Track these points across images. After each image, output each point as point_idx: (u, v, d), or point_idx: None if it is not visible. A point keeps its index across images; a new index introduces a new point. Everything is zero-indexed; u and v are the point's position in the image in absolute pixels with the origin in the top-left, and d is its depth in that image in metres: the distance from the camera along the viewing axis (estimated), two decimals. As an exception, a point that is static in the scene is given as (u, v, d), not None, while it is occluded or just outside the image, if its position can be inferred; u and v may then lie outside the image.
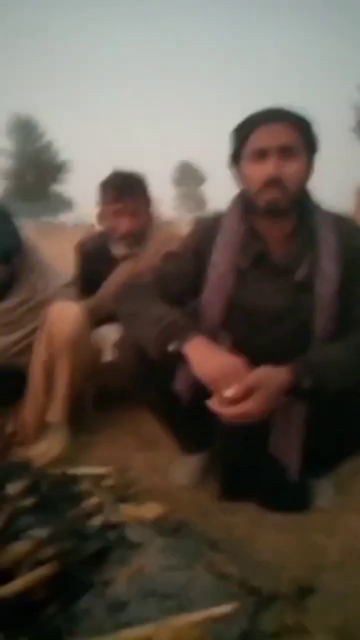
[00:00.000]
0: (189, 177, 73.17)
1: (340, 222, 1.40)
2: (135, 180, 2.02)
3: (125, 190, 1.97)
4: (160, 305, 1.36)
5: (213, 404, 1.20)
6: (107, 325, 1.99)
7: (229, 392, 1.16)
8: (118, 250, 2.07)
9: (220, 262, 1.41)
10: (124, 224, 1.99)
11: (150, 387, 1.50)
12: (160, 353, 1.28)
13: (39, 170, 49.27)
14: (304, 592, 1.15)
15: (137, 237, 2.03)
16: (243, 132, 1.33)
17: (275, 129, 1.28)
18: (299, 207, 1.37)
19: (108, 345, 1.93)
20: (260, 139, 1.29)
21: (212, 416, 1.23)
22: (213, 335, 1.34)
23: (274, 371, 1.19)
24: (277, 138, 1.27)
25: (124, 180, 2.00)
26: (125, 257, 2.06)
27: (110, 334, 1.95)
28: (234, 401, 1.17)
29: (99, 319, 2.00)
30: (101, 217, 2.08)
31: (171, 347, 1.26)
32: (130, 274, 2.03)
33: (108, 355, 1.91)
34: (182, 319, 1.30)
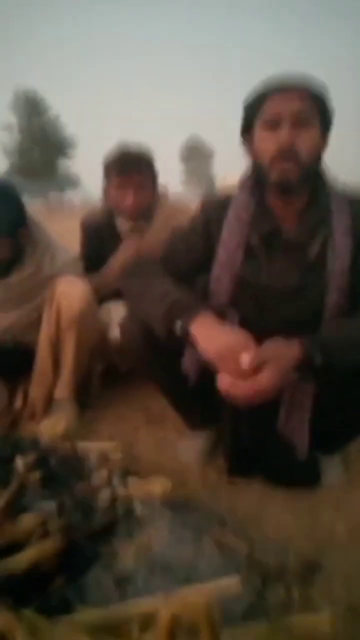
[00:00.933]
0: (197, 152, 72.25)
1: (353, 200, 1.37)
2: (140, 155, 1.98)
3: (129, 164, 1.93)
4: (166, 283, 1.34)
5: (223, 383, 1.15)
6: (113, 301, 1.98)
7: (245, 359, 1.11)
8: (123, 225, 2.04)
9: (230, 239, 1.38)
10: (128, 199, 1.95)
11: (157, 365, 1.49)
12: (167, 331, 1.26)
13: (45, 146, 48.73)
14: (311, 567, 1.16)
15: (143, 212, 2.00)
16: (256, 100, 1.28)
17: (289, 97, 1.23)
18: (312, 182, 1.34)
19: (115, 320, 1.92)
20: (273, 107, 1.24)
21: (219, 394, 1.22)
22: (221, 313, 1.32)
23: (285, 345, 1.16)
24: (291, 105, 1.22)
25: (129, 155, 1.96)
26: (130, 233, 2.04)
27: (116, 309, 1.93)
28: (244, 376, 1.14)
29: (104, 295, 1.99)
30: (106, 191, 2.05)
31: (178, 325, 1.23)
32: (135, 250, 2.00)
33: (115, 331, 1.90)
34: (189, 296, 1.28)
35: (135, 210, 1.97)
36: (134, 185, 1.94)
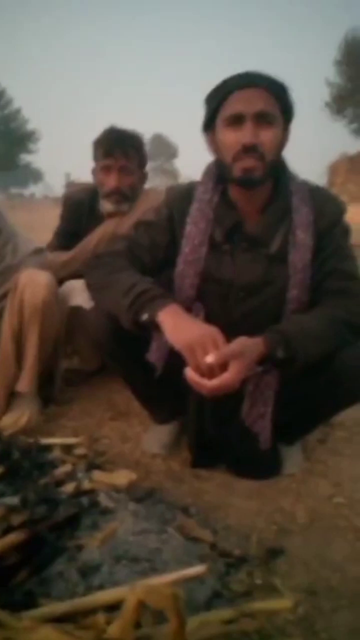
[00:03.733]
0: (161, 150, 72.09)
1: (314, 193, 1.40)
2: (127, 137, 1.96)
3: (115, 146, 1.91)
4: (132, 274, 1.34)
5: (191, 374, 1.19)
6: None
7: (210, 358, 1.15)
8: (105, 206, 2.02)
9: (194, 233, 1.39)
10: (112, 180, 1.93)
11: (122, 357, 1.49)
12: (133, 322, 1.26)
13: (7, 140, 47.56)
14: (273, 554, 1.18)
15: (126, 195, 1.98)
16: (218, 97, 1.29)
17: (251, 94, 1.24)
18: (274, 176, 1.36)
19: (77, 289, 1.88)
20: (236, 104, 1.25)
21: (184, 385, 1.23)
22: (187, 307, 1.33)
23: (250, 341, 1.19)
24: (254, 103, 1.24)
25: (116, 136, 1.94)
26: (111, 215, 2.02)
27: (75, 290, 1.90)
28: (211, 371, 1.17)
29: (72, 272, 1.97)
30: (94, 172, 2.03)
31: (145, 316, 1.24)
32: (112, 233, 1.98)
33: (76, 299, 1.86)
34: (155, 288, 1.28)
35: (117, 193, 1.96)
36: (118, 168, 1.92)
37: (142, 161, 2.02)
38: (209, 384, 1.16)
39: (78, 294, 1.86)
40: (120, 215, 2.00)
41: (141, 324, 1.25)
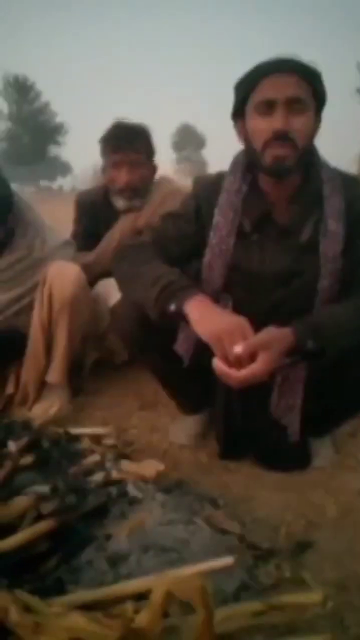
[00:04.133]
0: (189, 140, 71.71)
1: (346, 181, 1.36)
2: (135, 131, 1.96)
3: (124, 141, 1.91)
4: (159, 265, 1.33)
5: (219, 365, 1.17)
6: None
7: (238, 348, 1.14)
8: (119, 203, 2.02)
9: (222, 224, 1.37)
10: (123, 176, 1.93)
11: (150, 349, 1.49)
12: (160, 313, 1.26)
13: (36, 132, 48.12)
14: (302, 547, 1.17)
15: (138, 190, 1.98)
16: (249, 83, 1.26)
17: (282, 79, 1.22)
18: (305, 165, 1.33)
19: (111, 291, 1.89)
20: (267, 90, 1.22)
21: (211, 376, 1.23)
22: (215, 298, 1.32)
23: (279, 332, 1.18)
24: (285, 89, 1.21)
25: (124, 131, 1.94)
26: (126, 211, 2.02)
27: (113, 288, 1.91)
28: (239, 361, 1.15)
29: (99, 273, 1.98)
30: (103, 169, 2.03)
31: (172, 307, 1.23)
32: (131, 228, 1.98)
33: (112, 299, 1.87)
34: (182, 278, 1.27)
35: (129, 189, 1.96)
36: (129, 163, 1.92)
37: (150, 153, 2.02)
38: (237, 375, 1.15)
39: (117, 292, 1.87)
40: (135, 210, 1.99)
41: (168, 315, 1.24)
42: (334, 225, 1.31)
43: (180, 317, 1.23)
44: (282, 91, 1.21)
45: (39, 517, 1.09)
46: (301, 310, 1.28)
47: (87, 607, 0.89)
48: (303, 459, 1.50)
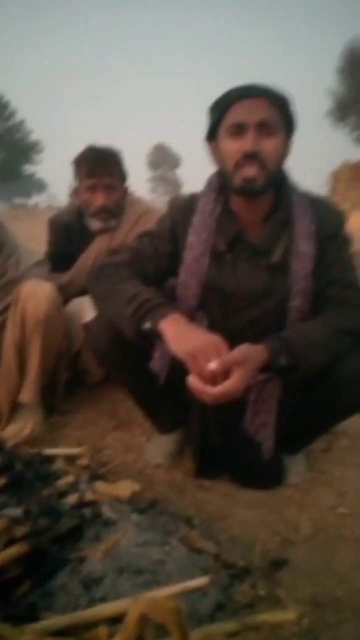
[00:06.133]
0: (164, 159, 72.48)
1: (315, 203, 1.40)
2: (109, 155, 1.99)
3: (99, 165, 1.94)
4: (134, 284, 1.34)
5: (194, 382, 1.18)
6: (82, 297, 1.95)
7: (213, 365, 1.14)
8: (94, 225, 2.04)
9: (196, 243, 1.40)
10: (99, 199, 1.96)
11: (125, 367, 1.49)
12: (135, 332, 1.26)
13: (11, 151, 47.96)
14: (276, 565, 1.18)
15: (113, 212, 2.01)
16: (221, 107, 1.30)
17: (253, 104, 1.26)
18: (276, 186, 1.37)
19: (87, 306, 1.88)
20: (238, 113, 1.27)
21: (186, 395, 1.23)
22: (189, 317, 1.34)
23: (253, 349, 1.19)
24: (256, 113, 1.25)
25: (98, 155, 1.96)
26: (101, 232, 2.04)
27: (86, 306, 1.91)
28: (214, 378, 1.16)
29: (74, 293, 1.98)
30: (76, 192, 2.04)
31: (147, 325, 1.24)
32: (106, 249, 2.01)
33: (88, 315, 1.86)
34: (157, 297, 1.28)
35: (105, 211, 1.98)
36: (104, 186, 1.94)
37: (123, 177, 2.06)
38: (212, 391, 1.15)
39: (90, 309, 1.87)
40: (109, 231, 2.02)
41: (143, 333, 1.25)
42: (304, 246, 1.35)
43: (156, 335, 1.24)
44: (252, 115, 1.25)
45: (11, 541, 1.07)
46: (274, 329, 1.31)
47: (60, 633, 0.88)
48: (277, 476, 1.51)
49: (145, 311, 1.24)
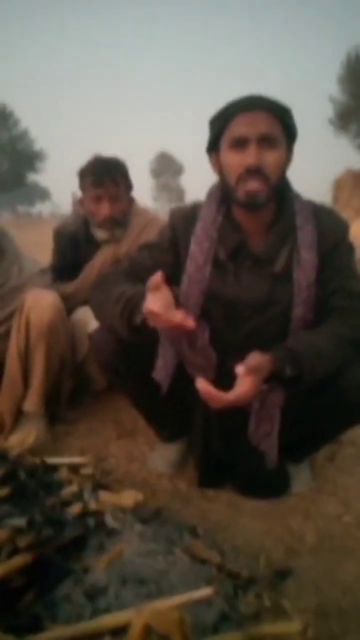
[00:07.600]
0: (167, 167, 72.79)
1: (317, 212, 1.41)
2: (114, 165, 2.00)
3: (104, 175, 1.95)
4: (122, 286, 1.35)
5: (204, 387, 1.18)
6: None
7: (240, 369, 1.18)
8: (100, 234, 2.05)
9: (198, 253, 1.40)
10: (104, 209, 1.97)
11: (128, 376, 1.49)
12: (129, 328, 1.27)
13: (15, 159, 48.30)
14: (281, 575, 1.17)
15: (118, 222, 2.02)
16: (222, 119, 1.31)
17: (255, 117, 1.26)
18: (278, 196, 1.37)
19: (92, 318, 1.88)
20: (240, 127, 1.27)
21: (190, 404, 1.23)
22: None
23: (264, 357, 1.21)
24: (257, 126, 1.25)
25: (103, 166, 1.97)
26: (106, 242, 2.05)
27: (91, 314, 1.91)
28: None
29: (79, 303, 1.99)
30: (82, 202, 2.06)
31: (137, 319, 1.25)
32: (111, 258, 2.01)
33: (93, 324, 1.87)
34: (143, 292, 1.28)
35: (111, 221, 1.99)
36: (109, 197, 1.95)
37: (129, 186, 2.07)
38: (224, 397, 1.17)
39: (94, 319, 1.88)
40: (115, 241, 2.03)
41: (138, 328, 1.26)
42: (306, 255, 1.35)
43: (149, 329, 1.24)
44: (254, 128, 1.25)
45: (15, 551, 1.07)
46: (276, 338, 1.31)
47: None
48: (282, 485, 1.50)
49: (133, 305, 1.26)
